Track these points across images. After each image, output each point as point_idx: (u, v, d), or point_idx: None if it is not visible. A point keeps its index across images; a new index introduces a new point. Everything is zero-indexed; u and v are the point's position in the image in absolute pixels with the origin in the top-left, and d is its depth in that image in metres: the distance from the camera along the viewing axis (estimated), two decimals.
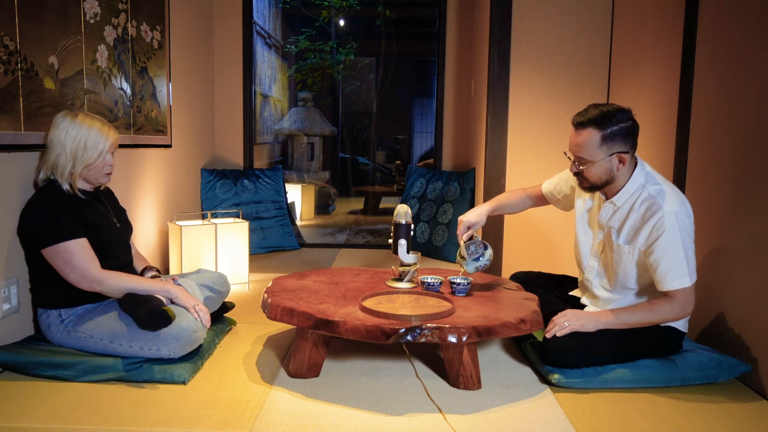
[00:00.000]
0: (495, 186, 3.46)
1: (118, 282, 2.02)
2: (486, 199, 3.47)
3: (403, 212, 2.26)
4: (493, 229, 3.48)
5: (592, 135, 1.96)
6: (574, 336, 1.96)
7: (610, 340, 1.97)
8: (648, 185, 2.00)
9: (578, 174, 2.06)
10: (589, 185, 2.06)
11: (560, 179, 2.36)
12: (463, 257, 2.24)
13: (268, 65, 8.97)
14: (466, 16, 4.47)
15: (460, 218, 2.32)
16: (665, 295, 1.95)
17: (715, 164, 2.30)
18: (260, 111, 8.22)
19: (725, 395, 1.92)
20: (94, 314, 2.03)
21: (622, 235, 2.03)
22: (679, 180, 2.52)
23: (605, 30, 3.46)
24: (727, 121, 2.23)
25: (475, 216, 2.32)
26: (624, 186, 2.03)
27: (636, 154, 2.05)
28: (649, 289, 2.06)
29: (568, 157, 2.07)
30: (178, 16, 3.60)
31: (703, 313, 2.30)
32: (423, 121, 12.11)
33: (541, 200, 2.46)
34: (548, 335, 1.98)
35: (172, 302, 2.08)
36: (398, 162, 10.45)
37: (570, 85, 3.48)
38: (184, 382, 1.92)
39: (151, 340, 1.96)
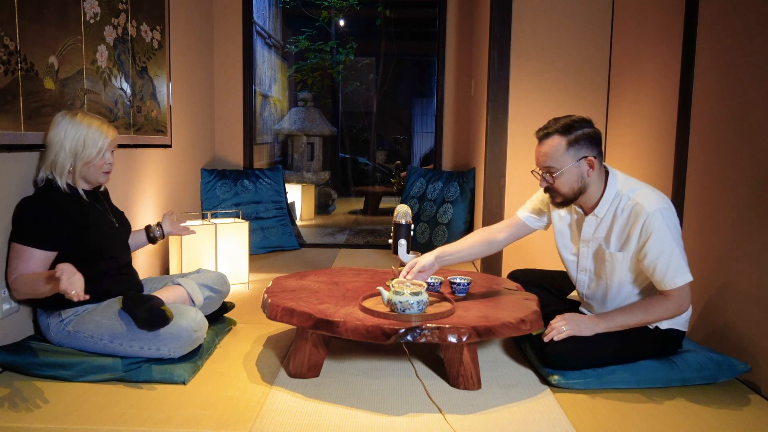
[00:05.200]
0: (495, 186, 3.45)
1: (25, 282, 1.94)
2: (486, 198, 3.47)
3: (403, 212, 2.26)
4: None
5: (558, 141, 1.97)
6: (574, 338, 1.95)
7: (610, 342, 1.97)
8: (625, 190, 2.00)
9: (549, 189, 2.04)
10: (561, 198, 2.04)
11: (532, 202, 2.29)
12: (395, 306, 1.91)
13: (268, 65, 8.96)
14: (466, 16, 4.47)
15: (411, 261, 2.16)
16: (661, 293, 1.94)
17: (715, 164, 2.30)
18: (260, 111, 8.21)
19: (725, 395, 1.92)
20: (94, 314, 2.03)
21: (612, 243, 2.02)
22: (679, 181, 2.52)
23: (605, 30, 3.46)
24: (727, 121, 2.23)
25: (429, 260, 2.15)
26: (602, 197, 2.02)
27: (606, 163, 2.06)
28: (643, 294, 2.05)
29: (537, 174, 2.05)
30: (178, 16, 3.60)
31: (703, 313, 2.30)
32: (423, 121, 12.09)
33: (517, 229, 2.29)
34: (546, 339, 1.98)
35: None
36: (398, 162, 10.45)
37: (570, 85, 3.48)
38: (184, 382, 1.92)
39: (151, 340, 1.96)
